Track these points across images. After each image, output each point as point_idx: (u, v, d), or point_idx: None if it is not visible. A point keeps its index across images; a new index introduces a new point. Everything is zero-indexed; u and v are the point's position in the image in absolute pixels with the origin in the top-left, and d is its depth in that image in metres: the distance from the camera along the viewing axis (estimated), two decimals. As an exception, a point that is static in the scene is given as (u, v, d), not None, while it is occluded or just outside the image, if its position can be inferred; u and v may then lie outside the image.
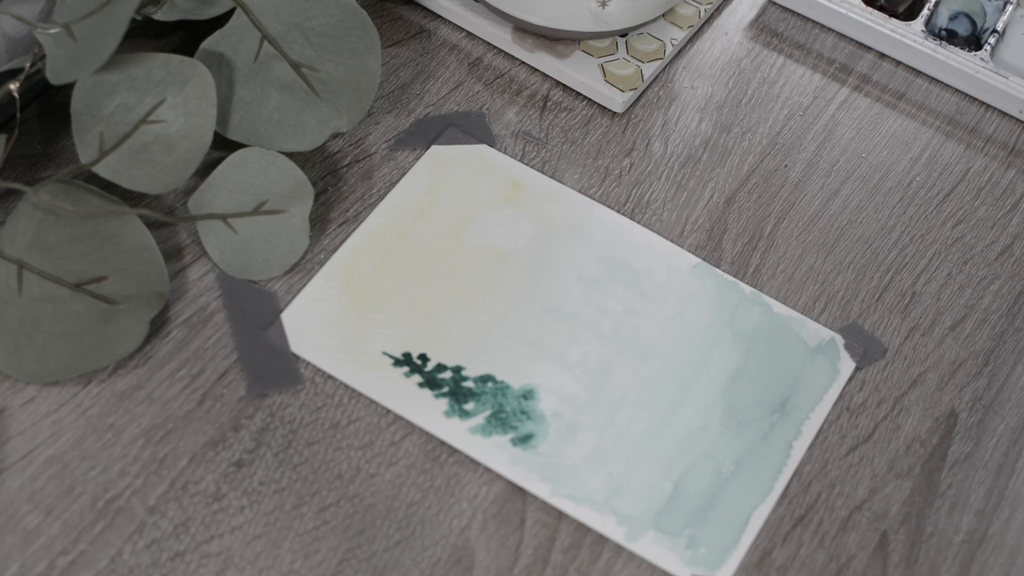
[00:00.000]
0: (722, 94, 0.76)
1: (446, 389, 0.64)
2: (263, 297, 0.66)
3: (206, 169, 0.68)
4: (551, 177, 0.72)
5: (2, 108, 0.68)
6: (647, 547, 0.61)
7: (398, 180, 0.71)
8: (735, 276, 0.70)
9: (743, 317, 0.68)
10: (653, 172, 0.73)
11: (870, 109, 0.77)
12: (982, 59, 0.77)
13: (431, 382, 0.64)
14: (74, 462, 0.60)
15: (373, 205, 0.70)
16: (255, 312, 0.65)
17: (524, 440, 0.63)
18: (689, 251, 0.70)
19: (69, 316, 0.63)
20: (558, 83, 0.75)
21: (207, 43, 0.68)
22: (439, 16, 0.77)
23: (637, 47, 0.76)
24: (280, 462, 0.61)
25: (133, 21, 0.70)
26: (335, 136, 0.72)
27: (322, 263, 0.67)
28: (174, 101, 0.66)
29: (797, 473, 0.64)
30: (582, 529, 0.61)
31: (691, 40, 0.78)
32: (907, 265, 0.71)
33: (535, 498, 0.62)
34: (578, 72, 0.74)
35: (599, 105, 0.75)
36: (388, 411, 0.63)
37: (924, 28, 0.78)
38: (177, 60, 0.66)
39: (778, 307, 0.69)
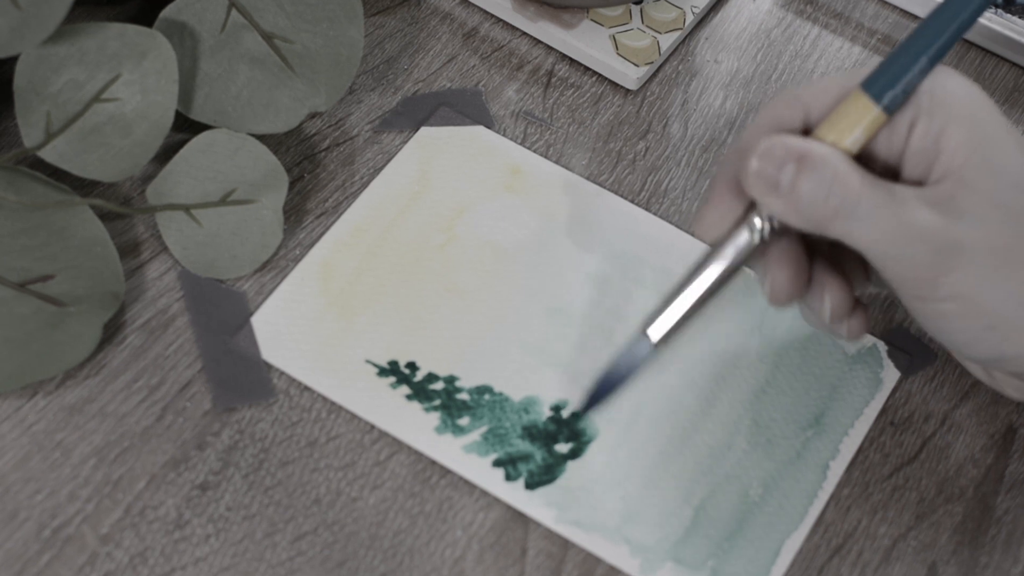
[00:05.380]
0: (749, 69, 0.76)
1: (437, 402, 0.64)
2: (231, 298, 0.66)
3: (166, 154, 0.68)
4: (556, 163, 0.72)
5: (-63, 85, 0.68)
6: (665, 581, 0.61)
7: (383, 166, 0.71)
8: (764, 274, 0.70)
9: (773, 321, 0.68)
10: (671, 157, 0.73)
11: (916, 86, 0.77)
12: (1042, 29, 0.77)
13: (421, 394, 0.64)
14: (17, 484, 0.60)
15: (355, 194, 0.70)
16: (222, 315, 0.65)
17: (525, 460, 0.63)
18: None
19: (12, 320, 0.63)
20: (564, 56, 0.75)
21: (168, 11, 0.68)
22: (430, -19, 0.77)
23: (654, 16, 0.76)
24: (250, 485, 0.61)
25: (85, -13, 0.71)
26: (312, 116, 0.72)
27: (297, 260, 0.67)
28: (130, 77, 0.66)
29: (834, 497, 0.64)
30: (591, 560, 0.61)
31: (714, 8, 0.78)
32: (958, 262, 0.71)
33: (538, 525, 0.62)
34: (587, 44, 0.74)
35: (610, 81, 0.75)
36: (372, 427, 0.63)
37: (976, -6, 0.78)
38: (134, 31, 0.66)
39: (812, 309, 0.69)
